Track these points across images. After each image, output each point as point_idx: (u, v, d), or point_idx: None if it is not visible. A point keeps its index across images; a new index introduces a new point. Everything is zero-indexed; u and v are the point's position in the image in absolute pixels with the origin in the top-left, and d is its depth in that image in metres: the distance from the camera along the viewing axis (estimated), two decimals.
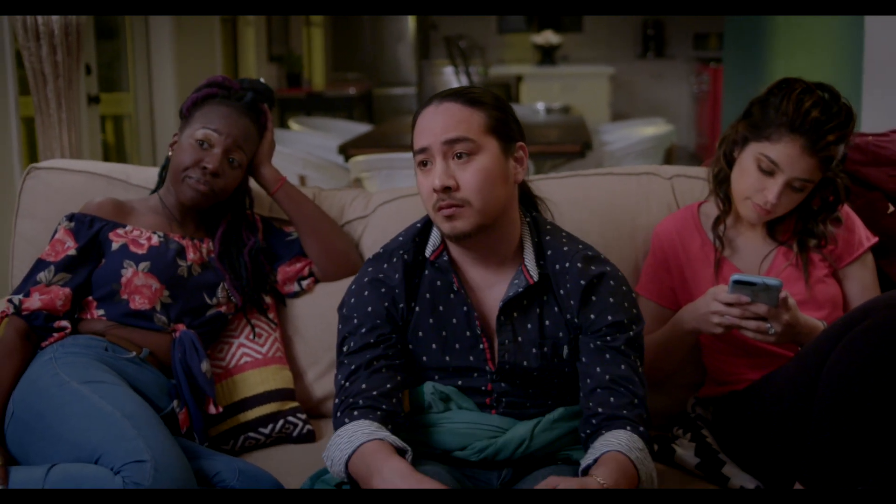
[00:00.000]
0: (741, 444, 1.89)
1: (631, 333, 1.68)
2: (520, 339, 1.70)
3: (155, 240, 1.99)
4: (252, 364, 2.08)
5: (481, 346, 1.70)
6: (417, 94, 10.10)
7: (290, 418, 2.06)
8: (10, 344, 1.85)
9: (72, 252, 1.94)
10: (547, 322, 1.71)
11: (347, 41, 10.32)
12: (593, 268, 1.70)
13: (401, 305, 1.71)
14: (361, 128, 6.28)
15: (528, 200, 1.85)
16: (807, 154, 1.84)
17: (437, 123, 1.65)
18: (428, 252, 1.74)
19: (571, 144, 4.70)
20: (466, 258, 1.73)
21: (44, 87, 3.15)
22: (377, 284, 1.71)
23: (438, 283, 1.73)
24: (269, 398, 2.06)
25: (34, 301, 1.89)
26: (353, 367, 1.66)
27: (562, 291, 1.70)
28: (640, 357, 1.69)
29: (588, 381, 1.66)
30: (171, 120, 5.29)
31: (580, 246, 1.74)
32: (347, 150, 4.67)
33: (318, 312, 2.17)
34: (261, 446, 2.04)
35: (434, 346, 1.71)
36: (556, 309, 1.71)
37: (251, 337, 2.10)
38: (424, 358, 1.71)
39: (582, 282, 1.68)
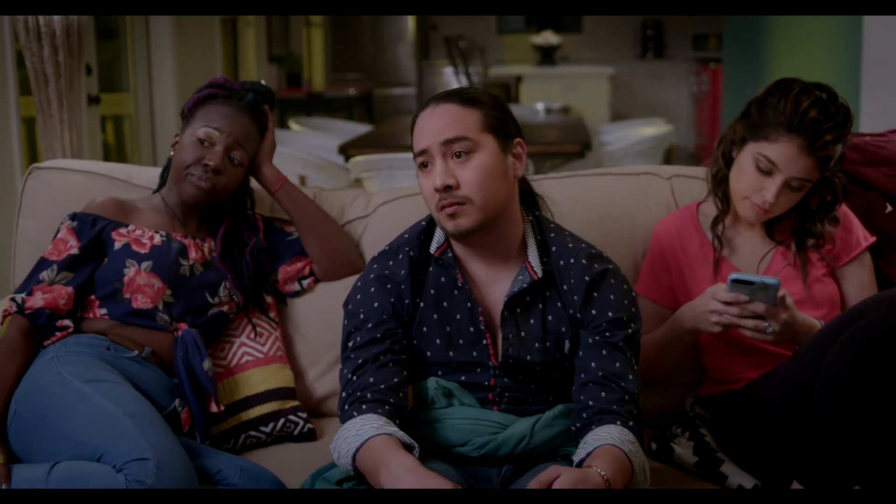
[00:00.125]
0: (739, 443, 1.89)
1: (629, 331, 1.70)
2: (523, 333, 1.72)
3: (157, 239, 2.00)
4: (253, 363, 2.09)
5: (484, 341, 1.72)
6: (417, 94, 10.11)
7: (291, 417, 2.07)
8: (13, 343, 1.85)
9: (74, 251, 1.95)
10: (550, 317, 1.73)
11: (347, 42, 10.33)
12: (597, 265, 1.73)
13: (406, 301, 1.73)
14: (361, 128, 6.28)
15: (530, 199, 1.86)
16: (805, 154, 1.85)
17: (434, 125, 1.68)
18: (433, 249, 1.76)
19: (571, 145, 4.71)
20: (470, 255, 1.75)
21: (45, 88, 3.15)
22: (383, 280, 1.74)
23: (443, 279, 1.75)
24: (270, 397, 2.06)
25: (37, 300, 1.89)
26: (359, 361, 1.68)
27: (565, 287, 1.73)
28: (635, 355, 1.71)
29: (582, 375, 1.68)
30: (172, 120, 5.30)
31: (583, 245, 1.76)
32: (348, 151, 4.67)
33: (318, 312, 2.18)
34: (262, 445, 2.05)
35: (438, 341, 1.73)
36: (558, 304, 1.73)
37: (252, 336, 2.11)
38: (428, 353, 1.73)
39: (586, 278, 1.71)
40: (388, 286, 1.73)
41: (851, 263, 2.02)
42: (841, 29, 4.14)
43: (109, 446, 1.63)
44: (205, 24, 6.07)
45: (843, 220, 2.01)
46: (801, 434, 1.71)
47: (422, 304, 1.74)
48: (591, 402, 1.65)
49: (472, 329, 1.73)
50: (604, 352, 1.68)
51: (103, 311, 1.94)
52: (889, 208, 2.17)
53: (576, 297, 1.71)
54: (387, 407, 1.62)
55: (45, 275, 1.92)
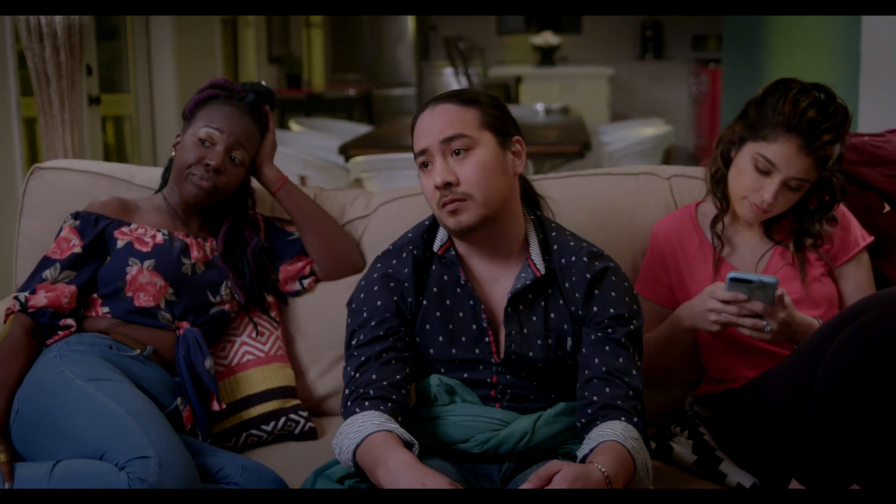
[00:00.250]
0: (738, 442, 1.90)
1: (631, 327, 1.71)
2: (525, 330, 1.73)
3: (160, 238, 2.00)
4: (254, 362, 2.10)
5: (487, 338, 1.74)
6: (417, 95, 10.11)
7: (292, 416, 2.08)
8: (16, 341, 1.86)
9: (77, 250, 1.95)
10: (552, 315, 1.74)
11: (347, 42, 10.33)
12: (598, 263, 1.74)
13: (409, 300, 1.74)
14: (361, 129, 6.29)
15: (532, 200, 1.88)
16: (803, 154, 1.86)
17: (433, 125, 1.70)
18: (436, 247, 1.78)
19: (570, 145, 4.71)
20: (473, 253, 1.77)
21: (47, 88, 3.16)
22: (387, 279, 1.75)
23: (445, 277, 1.76)
24: (271, 396, 2.07)
25: (40, 298, 1.90)
26: (362, 358, 1.69)
27: (567, 284, 1.74)
28: (638, 351, 1.73)
29: (586, 371, 1.70)
30: (172, 121, 5.30)
31: (584, 243, 1.78)
32: (348, 151, 4.67)
33: (319, 311, 2.19)
34: (263, 443, 2.06)
35: (441, 338, 1.74)
36: (560, 302, 1.75)
37: (253, 335, 2.12)
38: (431, 351, 1.75)
39: (588, 275, 1.72)
40: (392, 284, 1.75)
41: (849, 263, 2.02)
42: (840, 29, 4.15)
43: (112, 444, 1.64)
44: (205, 24, 6.07)
45: (842, 219, 2.02)
46: (799, 433, 1.72)
47: (425, 302, 1.75)
48: (595, 398, 1.66)
49: (474, 326, 1.74)
50: (606, 348, 1.69)
51: (105, 309, 1.95)
52: (887, 208, 2.17)
53: (577, 295, 1.73)
54: (389, 404, 1.63)
55: (48, 273, 1.93)
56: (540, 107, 6.80)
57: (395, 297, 1.74)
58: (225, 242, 2.09)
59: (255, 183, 2.18)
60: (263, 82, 2.21)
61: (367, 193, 2.35)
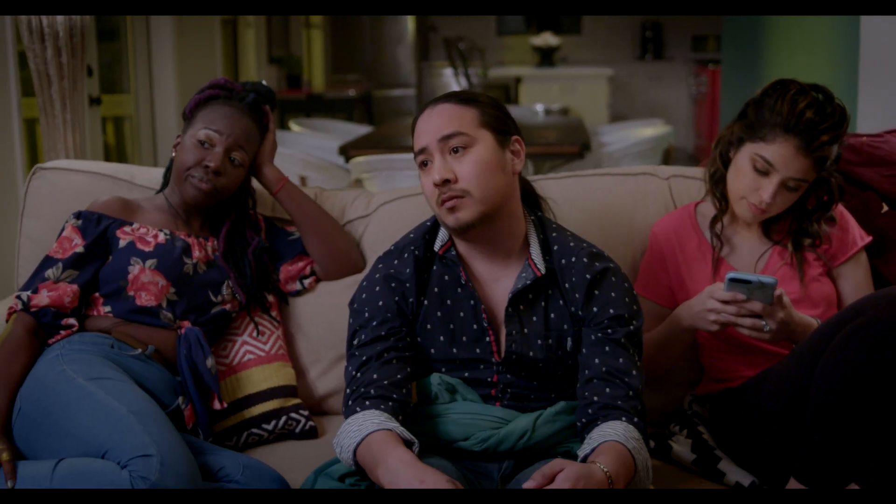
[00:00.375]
0: (737, 441, 1.90)
1: (631, 328, 1.72)
2: (526, 330, 1.74)
3: (161, 237, 2.01)
4: (255, 361, 2.10)
5: (487, 338, 1.74)
6: (417, 95, 10.12)
7: (293, 415, 2.09)
8: (19, 340, 1.86)
9: (79, 249, 1.96)
10: (552, 315, 1.75)
11: (347, 43, 10.34)
12: (598, 264, 1.75)
13: (411, 300, 1.75)
14: (361, 129, 6.29)
15: (533, 200, 1.89)
16: (801, 154, 1.86)
17: (432, 124, 1.72)
18: (437, 247, 1.78)
19: (570, 146, 4.71)
20: (473, 253, 1.78)
21: (48, 89, 3.16)
22: (388, 279, 1.76)
23: (446, 277, 1.77)
24: (272, 395, 2.08)
25: (43, 298, 1.90)
26: (364, 358, 1.70)
27: (567, 285, 1.75)
28: (638, 351, 1.73)
29: (586, 371, 1.70)
30: (172, 121, 5.31)
31: (585, 244, 1.79)
32: (348, 151, 4.68)
33: (319, 311, 2.20)
34: (264, 442, 2.07)
35: (442, 338, 1.75)
36: (560, 302, 1.76)
37: (254, 335, 2.12)
38: (432, 350, 1.76)
39: (587, 276, 1.73)
40: (393, 285, 1.76)
41: (848, 263, 2.03)
42: (839, 30, 4.16)
43: (114, 443, 1.64)
44: (205, 25, 6.08)
45: (840, 219, 2.03)
46: (797, 432, 1.72)
47: (426, 302, 1.76)
48: (595, 398, 1.67)
49: (475, 326, 1.75)
50: (606, 348, 1.70)
51: (107, 308, 1.95)
52: (885, 208, 2.18)
53: (577, 295, 1.74)
54: (390, 403, 1.64)
55: (50, 273, 1.93)
56: (539, 107, 6.80)
57: (397, 298, 1.75)
58: (226, 242, 2.09)
59: (255, 183, 2.18)
60: (264, 82, 2.21)
61: (367, 193, 2.35)
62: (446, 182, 1.68)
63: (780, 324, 1.81)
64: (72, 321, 1.92)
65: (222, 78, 2.12)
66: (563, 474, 1.44)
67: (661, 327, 2.01)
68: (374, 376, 1.67)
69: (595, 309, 1.72)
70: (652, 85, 11.05)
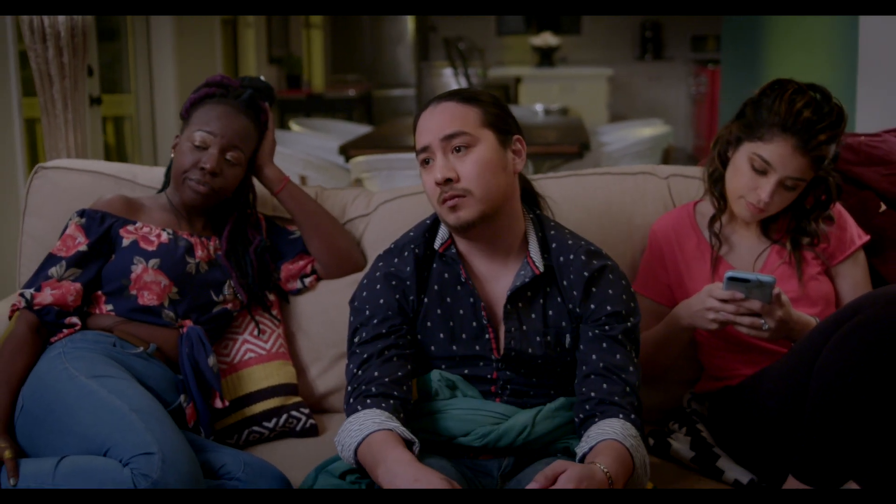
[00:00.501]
0: (736, 438, 1.91)
1: (628, 324, 1.73)
2: (525, 327, 1.75)
3: (164, 237, 2.01)
4: (256, 360, 2.11)
5: (487, 335, 1.75)
6: (417, 95, 10.12)
7: (294, 413, 2.09)
8: (21, 338, 1.87)
9: (83, 248, 1.96)
10: (550, 312, 1.76)
11: (347, 43, 10.34)
12: (595, 261, 1.76)
13: (411, 298, 1.76)
14: (361, 129, 6.29)
15: (532, 199, 1.90)
16: (799, 153, 1.87)
17: (435, 122, 1.72)
18: (437, 245, 1.79)
19: (569, 145, 4.71)
20: (473, 251, 1.79)
21: (50, 88, 3.17)
22: (389, 278, 1.77)
23: (446, 275, 1.78)
24: (273, 393, 2.08)
25: (46, 296, 1.90)
26: (365, 355, 1.70)
27: (565, 282, 1.76)
28: (635, 348, 1.75)
29: (584, 367, 1.71)
30: (172, 121, 5.31)
31: (583, 242, 1.80)
32: (348, 151, 4.68)
33: (320, 309, 2.20)
34: (265, 440, 2.07)
35: (442, 335, 1.76)
36: (559, 299, 1.76)
37: (255, 333, 2.13)
38: (432, 347, 1.76)
39: (585, 273, 1.74)
40: (394, 283, 1.76)
41: (846, 262, 2.04)
42: (838, 30, 4.16)
43: (116, 441, 1.64)
44: (205, 25, 6.08)
45: (838, 218, 2.03)
46: (796, 430, 1.73)
47: (426, 300, 1.77)
48: (593, 394, 1.68)
49: (474, 323, 1.76)
50: (604, 345, 1.71)
51: (109, 307, 1.96)
52: (883, 207, 2.18)
53: (575, 293, 1.75)
54: (391, 401, 1.65)
55: (53, 271, 1.94)
56: (539, 107, 6.81)
57: (397, 296, 1.76)
58: (228, 242, 2.10)
59: (255, 182, 2.19)
60: (262, 77, 2.21)
61: (367, 192, 2.36)
62: (448, 181, 1.69)
63: (778, 322, 1.81)
64: (74, 320, 1.92)
65: (219, 75, 2.11)
66: (566, 476, 1.44)
67: (660, 326, 2.02)
68: (375, 374, 1.68)
69: (593, 306, 1.73)
70: (651, 85, 11.06)
